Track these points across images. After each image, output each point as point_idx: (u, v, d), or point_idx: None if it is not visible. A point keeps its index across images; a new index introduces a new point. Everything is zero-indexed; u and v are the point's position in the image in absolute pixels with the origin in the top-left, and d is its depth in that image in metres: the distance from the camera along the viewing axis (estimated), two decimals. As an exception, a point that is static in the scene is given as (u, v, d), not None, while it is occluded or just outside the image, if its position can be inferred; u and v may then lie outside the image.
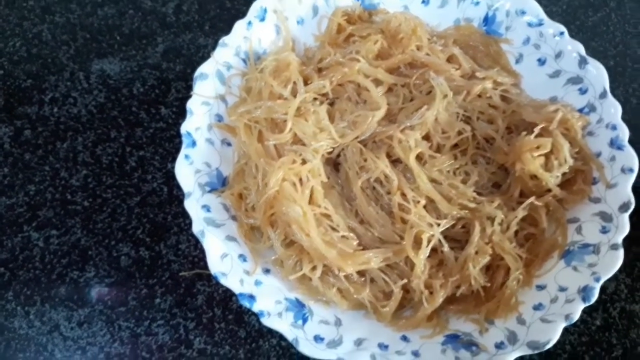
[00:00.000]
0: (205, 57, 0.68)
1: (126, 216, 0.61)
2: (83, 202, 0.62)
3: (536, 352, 0.46)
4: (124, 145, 0.64)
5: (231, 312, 0.57)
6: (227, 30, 0.68)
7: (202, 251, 0.58)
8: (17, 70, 0.68)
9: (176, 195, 0.62)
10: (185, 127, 0.54)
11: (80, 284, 0.58)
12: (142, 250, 0.59)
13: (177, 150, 0.63)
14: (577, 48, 0.59)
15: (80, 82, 0.68)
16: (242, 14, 0.69)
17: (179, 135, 0.63)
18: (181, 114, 0.65)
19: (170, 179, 0.62)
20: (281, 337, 0.55)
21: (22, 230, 0.60)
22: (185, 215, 0.60)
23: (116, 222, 0.61)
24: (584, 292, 0.49)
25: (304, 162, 0.53)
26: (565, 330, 0.48)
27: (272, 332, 0.55)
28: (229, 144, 0.57)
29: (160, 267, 0.59)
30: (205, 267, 0.53)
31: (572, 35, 0.60)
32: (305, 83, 0.58)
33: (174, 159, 0.62)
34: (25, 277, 0.58)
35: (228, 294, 0.57)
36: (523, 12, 0.62)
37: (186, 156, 0.53)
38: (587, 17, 0.77)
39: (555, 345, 0.46)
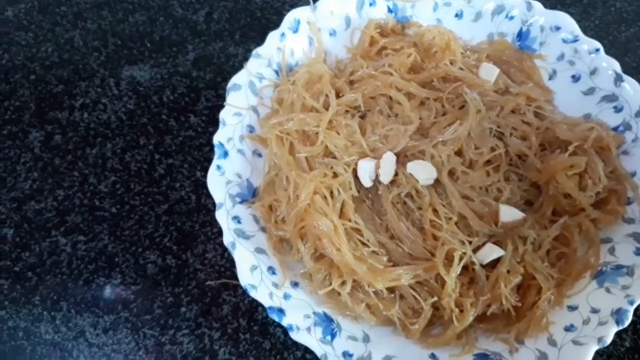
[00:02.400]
0: (235, 66, 0.69)
1: (154, 224, 0.61)
2: (111, 208, 0.62)
3: (567, 375, 0.46)
4: (152, 153, 0.64)
5: (256, 323, 0.57)
6: (257, 39, 0.68)
7: (229, 261, 0.58)
8: (49, 75, 0.69)
9: (204, 204, 0.61)
10: (217, 138, 0.54)
11: (106, 290, 0.58)
12: (169, 259, 0.59)
13: (206, 158, 0.63)
14: (612, 65, 0.58)
15: (110, 89, 0.68)
16: (272, 23, 0.70)
17: (208, 143, 0.63)
18: (210, 122, 0.65)
19: (199, 187, 0.62)
20: (306, 350, 0.55)
21: (50, 235, 0.61)
22: (212, 224, 0.60)
23: (143, 230, 0.61)
24: (617, 315, 0.48)
25: (335, 175, 0.53)
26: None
27: (297, 345, 0.54)
28: (259, 155, 0.57)
29: (187, 275, 0.59)
30: (232, 276, 0.53)
31: (604, 51, 0.59)
32: (337, 95, 0.57)
33: (202, 168, 0.63)
34: (53, 282, 0.59)
35: (254, 304, 0.57)
36: (558, 28, 0.61)
37: (218, 167, 0.53)
38: (620, 33, 0.76)
39: (583, 367, 0.45)
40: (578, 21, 0.61)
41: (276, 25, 0.60)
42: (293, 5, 0.72)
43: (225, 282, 0.58)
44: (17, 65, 0.70)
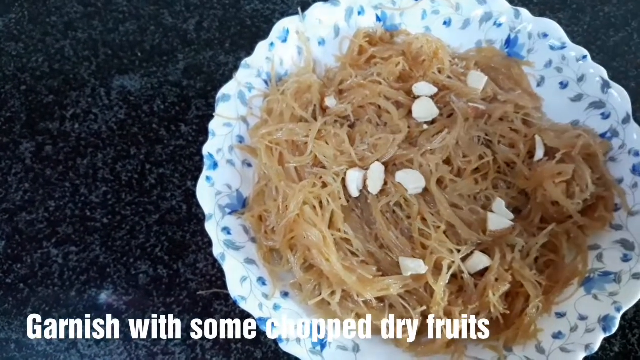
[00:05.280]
0: (225, 74, 0.69)
1: (145, 234, 0.61)
2: (102, 219, 0.62)
3: (556, 382, 0.46)
4: (143, 163, 0.65)
5: (248, 333, 0.57)
6: (247, 48, 0.68)
7: (220, 270, 0.58)
8: (40, 85, 0.69)
9: (195, 213, 0.62)
10: (207, 149, 0.54)
11: (98, 301, 0.58)
12: (161, 269, 0.60)
13: (197, 168, 0.63)
14: (599, 72, 0.59)
15: (101, 99, 0.68)
16: (262, 32, 0.70)
17: (198, 153, 0.63)
18: (201, 131, 0.66)
19: (190, 197, 0.62)
20: (297, 360, 0.55)
21: (41, 246, 0.61)
22: (203, 234, 0.60)
23: (135, 240, 0.61)
24: (605, 321, 0.48)
25: (324, 185, 0.53)
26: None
27: (288, 355, 0.54)
28: (249, 165, 0.58)
29: (178, 285, 0.59)
30: (223, 286, 0.53)
31: (593, 56, 0.60)
32: (326, 105, 0.58)
33: (193, 177, 0.63)
34: (44, 294, 0.59)
35: (245, 314, 0.57)
36: (545, 35, 0.61)
37: (207, 178, 0.53)
38: (608, 38, 0.76)
39: (573, 372, 0.46)
40: (567, 27, 0.62)
41: (266, 33, 0.60)
42: (283, 13, 0.72)
43: (217, 292, 0.58)
44: (7, 75, 0.70)
